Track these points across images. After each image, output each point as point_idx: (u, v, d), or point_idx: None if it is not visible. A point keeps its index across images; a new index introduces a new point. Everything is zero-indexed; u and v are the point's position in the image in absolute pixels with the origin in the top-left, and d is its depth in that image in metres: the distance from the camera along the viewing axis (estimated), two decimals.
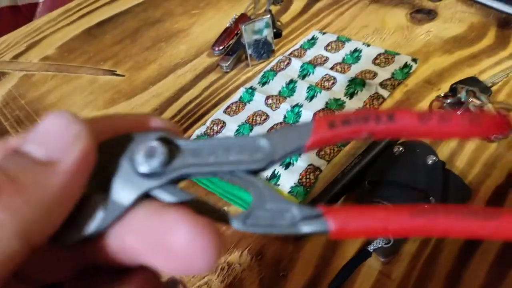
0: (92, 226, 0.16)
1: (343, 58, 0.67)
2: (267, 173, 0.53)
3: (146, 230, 0.16)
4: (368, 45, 0.68)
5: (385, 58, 0.66)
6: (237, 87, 0.67)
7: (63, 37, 0.84)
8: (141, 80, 0.72)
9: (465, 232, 0.15)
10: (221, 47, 0.72)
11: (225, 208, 0.20)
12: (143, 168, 0.17)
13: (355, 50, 0.68)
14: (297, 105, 0.61)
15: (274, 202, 0.17)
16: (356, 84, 0.62)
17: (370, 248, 0.44)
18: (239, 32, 0.70)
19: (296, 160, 0.53)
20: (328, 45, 0.70)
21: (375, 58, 0.66)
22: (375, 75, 0.63)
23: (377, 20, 0.75)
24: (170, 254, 0.15)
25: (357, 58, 0.67)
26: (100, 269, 0.18)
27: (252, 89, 0.65)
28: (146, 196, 0.17)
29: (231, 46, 0.72)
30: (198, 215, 0.16)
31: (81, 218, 0.17)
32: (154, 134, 0.18)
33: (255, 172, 0.18)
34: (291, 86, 0.64)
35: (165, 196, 0.17)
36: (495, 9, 0.73)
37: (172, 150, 0.17)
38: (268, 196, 0.17)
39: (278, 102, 0.62)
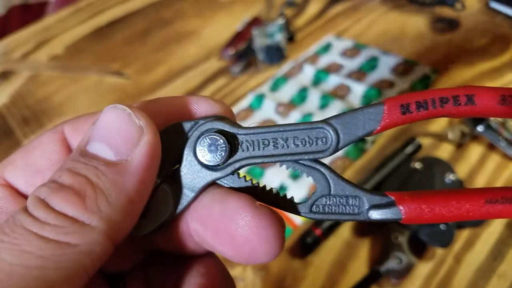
0: (164, 215, 0.17)
1: (359, 66, 0.64)
2: (275, 185, 0.50)
3: (210, 217, 0.17)
4: (386, 53, 0.65)
5: (403, 67, 0.63)
6: (247, 93, 0.64)
7: (72, 36, 0.83)
8: (149, 83, 0.70)
9: None
10: (231, 51, 0.70)
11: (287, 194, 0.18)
12: (207, 161, 0.17)
13: (372, 58, 0.65)
14: (308, 114, 0.58)
15: (340, 190, 0.17)
16: (372, 94, 0.59)
17: (381, 269, 0.41)
18: (250, 36, 0.68)
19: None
20: (343, 51, 0.67)
21: (393, 67, 0.63)
22: (392, 85, 0.60)
23: (396, 27, 0.72)
24: (232, 241, 0.16)
25: (374, 67, 0.64)
26: (161, 258, 0.19)
27: (262, 95, 0.62)
28: (211, 183, 0.18)
29: (242, 50, 0.69)
30: (261, 204, 0.16)
31: (152, 209, 0.17)
32: (212, 124, 0.18)
33: (319, 160, 0.17)
34: (303, 94, 0.61)
35: (228, 183, 0.18)
36: None
37: (232, 141, 0.17)
38: (333, 183, 0.17)
39: (288, 110, 0.59)
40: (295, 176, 0.50)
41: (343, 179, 0.17)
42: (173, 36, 0.79)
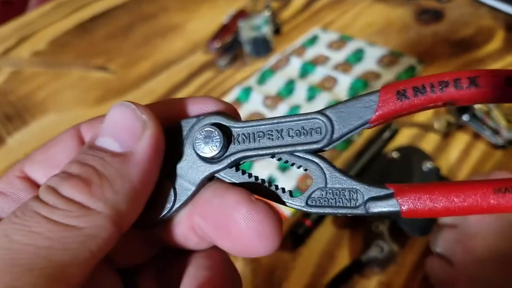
0: (166, 209, 0.18)
1: (346, 58, 0.64)
2: (264, 176, 0.50)
3: (209, 211, 0.17)
4: (372, 45, 0.66)
5: (389, 59, 0.63)
6: (234, 86, 0.64)
7: (55, 31, 0.81)
8: (134, 77, 0.69)
9: None
10: (217, 44, 0.69)
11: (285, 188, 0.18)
12: (203, 153, 0.17)
13: (358, 50, 0.65)
14: (296, 106, 0.58)
15: (337, 182, 0.17)
16: (358, 85, 0.59)
17: (363, 258, 0.41)
18: (236, 28, 0.67)
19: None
20: (330, 43, 0.67)
21: (379, 59, 0.63)
22: (378, 76, 0.61)
23: (382, 19, 0.72)
24: (229, 235, 0.17)
25: (360, 58, 0.64)
26: (170, 253, 0.20)
27: (249, 88, 0.62)
28: (212, 178, 0.18)
29: (228, 43, 0.69)
30: (258, 199, 0.17)
31: (155, 203, 0.18)
32: (209, 119, 0.18)
33: (314, 152, 0.17)
34: (290, 86, 0.61)
35: (227, 178, 0.18)
36: (503, 12, 0.71)
37: (228, 134, 0.18)
38: (329, 175, 0.17)
39: (275, 102, 0.59)
40: (283, 168, 0.50)
41: (340, 171, 0.17)
42: (157, 30, 0.78)
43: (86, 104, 0.66)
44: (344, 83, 0.60)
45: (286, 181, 0.49)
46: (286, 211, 0.47)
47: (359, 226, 0.45)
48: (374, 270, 0.42)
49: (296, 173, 0.50)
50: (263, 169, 0.51)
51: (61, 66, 0.74)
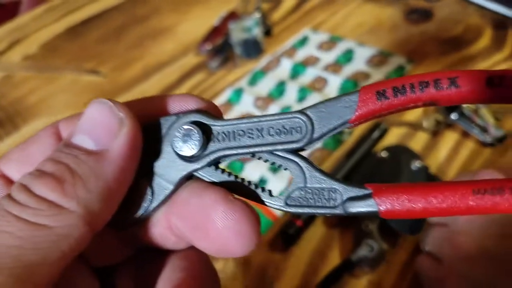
0: (143, 209, 0.17)
1: (336, 59, 0.65)
2: (255, 179, 0.50)
3: (187, 211, 0.17)
4: (362, 45, 0.66)
5: (379, 59, 0.63)
6: (225, 87, 0.64)
7: (46, 35, 0.81)
8: (126, 80, 0.69)
9: None
10: (208, 46, 0.69)
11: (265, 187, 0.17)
12: (182, 152, 0.17)
13: (348, 50, 0.65)
14: (287, 107, 0.58)
15: (316, 182, 0.17)
16: (348, 86, 0.59)
17: (353, 257, 0.42)
18: (227, 30, 0.68)
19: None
20: (320, 44, 0.68)
21: (369, 59, 0.64)
22: (367, 76, 0.61)
23: (372, 19, 0.73)
24: (206, 235, 0.16)
25: (350, 59, 0.64)
26: (151, 252, 0.19)
27: (240, 90, 0.62)
28: (190, 177, 0.18)
29: (219, 45, 0.69)
30: (236, 198, 0.16)
31: (132, 202, 0.17)
32: (189, 117, 0.18)
33: (295, 151, 0.17)
34: (281, 87, 0.62)
35: (206, 177, 0.18)
36: (491, 10, 0.71)
37: (208, 133, 0.17)
38: (309, 175, 0.17)
39: (266, 104, 0.59)
40: (274, 169, 0.50)
41: (320, 171, 0.17)
42: (149, 32, 0.78)
43: (78, 108, 0.66)
44: (334, 84, 0.60)
45: (277, 182, 0.50)
46: (277, 211, 0.47)
47: (350, 225, 0.46)
48: (364, 269, 0.42)
49: (287, 173, 0.50)
50: (254, 170, 0.51)
51: (53, 70, 0.74)
